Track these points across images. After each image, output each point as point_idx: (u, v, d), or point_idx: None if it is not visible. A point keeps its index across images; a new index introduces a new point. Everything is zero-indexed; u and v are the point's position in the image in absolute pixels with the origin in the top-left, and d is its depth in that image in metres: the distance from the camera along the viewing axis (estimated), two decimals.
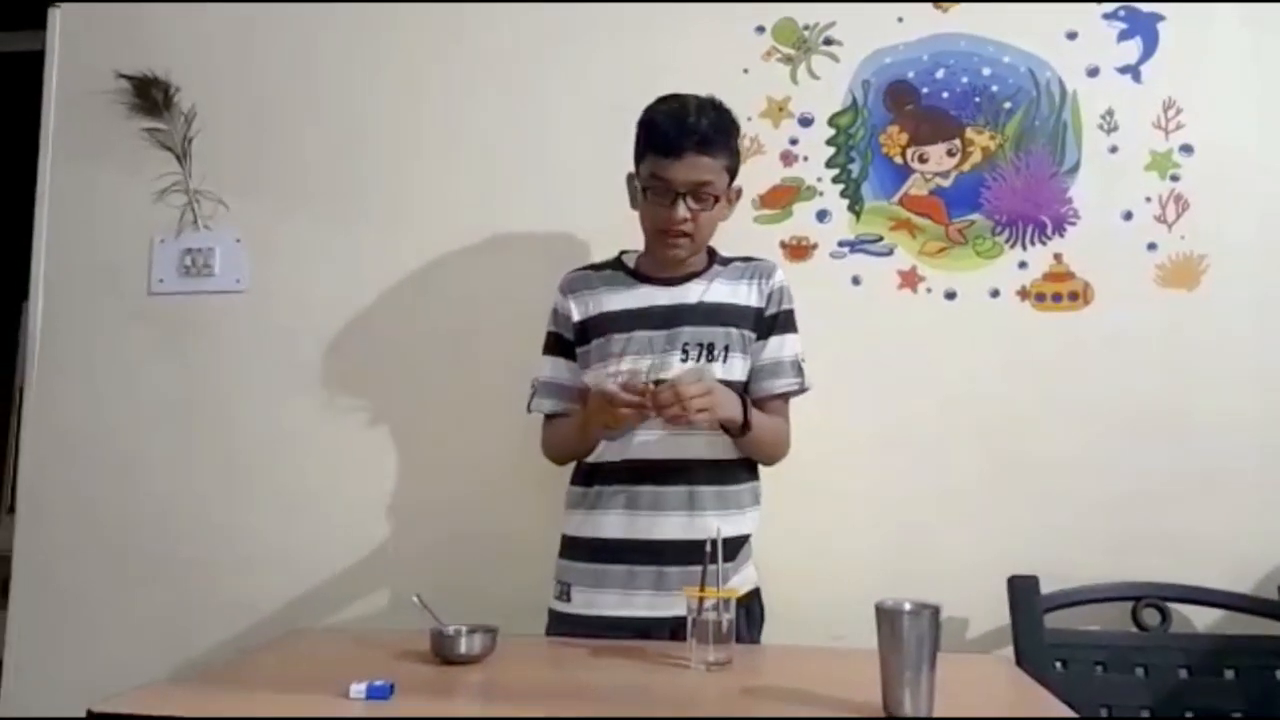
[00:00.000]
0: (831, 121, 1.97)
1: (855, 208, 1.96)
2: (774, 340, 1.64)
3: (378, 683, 1.21)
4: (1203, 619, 1.80)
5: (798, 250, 1.96)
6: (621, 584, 1.57)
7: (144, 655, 1.93)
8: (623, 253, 1.71)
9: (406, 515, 1.99)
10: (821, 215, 1.96)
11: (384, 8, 2.08)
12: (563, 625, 1.61)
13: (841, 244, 1.95)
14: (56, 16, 2.18)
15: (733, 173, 1.62)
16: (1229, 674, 1.69)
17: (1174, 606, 1.76)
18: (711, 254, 1.69)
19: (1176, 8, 1.90)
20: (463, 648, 1.38)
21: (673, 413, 1.45)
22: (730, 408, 1.53)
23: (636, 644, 1.49)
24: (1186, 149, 1.89)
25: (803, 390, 1.66)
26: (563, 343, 1.68)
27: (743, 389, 1.62)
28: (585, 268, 1.72)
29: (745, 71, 1.99)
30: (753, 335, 1.63)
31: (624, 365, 1.59)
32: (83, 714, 1.13)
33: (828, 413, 1.88)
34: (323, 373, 2.04)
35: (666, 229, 1.58)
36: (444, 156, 2.05)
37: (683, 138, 1.53)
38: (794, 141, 1.98)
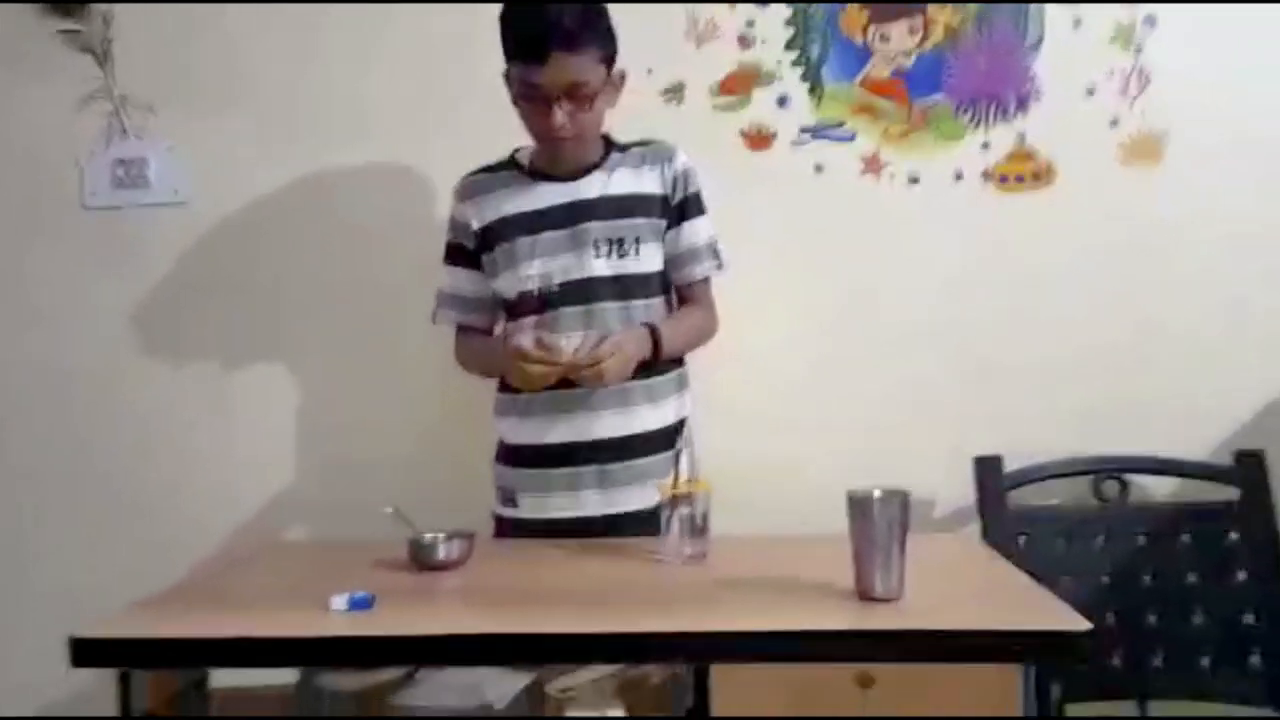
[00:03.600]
0: (789, 1, 1.90)
1: (816, 92, 1.90)
2: (686, 226, 1.61)
3: (359, 594, 1.20)
4: (1161, 488, 1.86)
5: (758, 139, 1.91)
6: (566, 486, 1.57)
7: (116, 583, 1.90)
8: (516, 150, 1.63)
9: (361, 427, 1.96)
10: (781, 101, 1.91)
11: None
12: (511, 530, 1.62)
13: (803, 131, 1.91)
14: None
15: (610, 61, 1.51)
16: (1185, 539, 1.77)
17: (1133, 477, 1.81)
18: (609, 142, 1.61)
19: None
20: (441, 554, 1.39)
21: (590, 380, 1.46)
22: (641, 348, 1.51)
23: (611, 542, 1.50)
24: (1150, 20, 1.86)
25: (720, 269, 1.64)
26: (464, 252, 1.62)
27: (660, 277, 1.60)
28: (479, 171, 1.64)
29: None
30: (662, 223, 1.59)
31: (534, 269, 1.55)
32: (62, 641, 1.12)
33: (792, 303, 1.89)
34: (274, 283, 1.98)
35: (547, 135, 1.51)
36: (393, 51, 1.94)
37: (546, 39, 1.42)
38: (750, 23, 1.90)
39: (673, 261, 1.62)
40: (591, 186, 1.57)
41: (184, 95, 1.97)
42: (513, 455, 1.63)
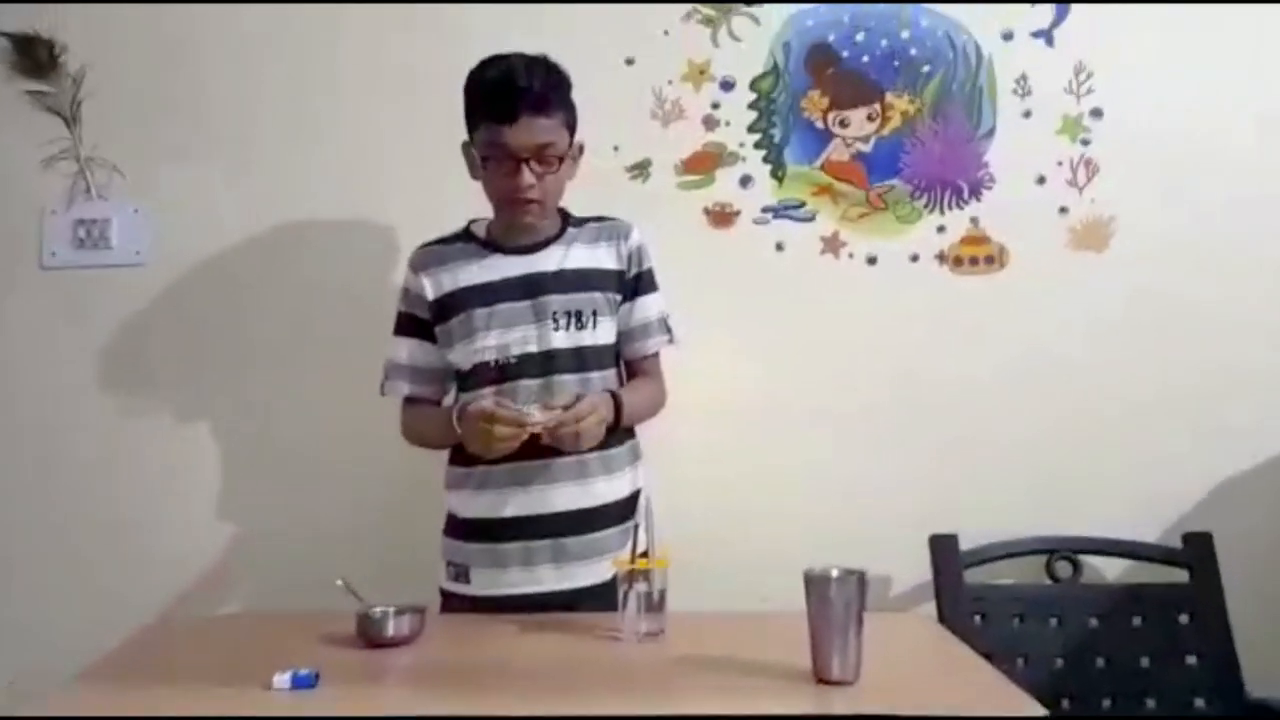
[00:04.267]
0: (753, 85, 1.96)
1: (778, 173, 1.95)
2: (640, 301, 1.63)
3: (302, 671, 1.17)
4: (1112, 569, 1.89)
5: (721, 217, 1.95)
6: (521, 561, 1.54)
7: (57, 644, 1.83)
8: (471, 222, 1.65)
9: (322, 492, 1.94)
10: (744, 181, 1.95)
11: None
12: (460, 605, 1.58)
13: (765, 210, 1.95)
14: None
15: (572, 129, 1.56)
16: (1137, 620, 1.78)
17: (1085, 558, 1.83)
18: (565, 216, 1.64)
19: None
20: (390, 630, 1.35)
21: (569, 440, 1.46)
22: (610, 412, 1.52)
23: (566, 617, 1.48)
24: (1096, 113, 1.94)
25: (671, 343, 1.66)
26: (416, 322, 1.62)
27: (613, 349, 1.61)
28: (434, 242, 1.64)
29: (665, 33, 1.96)
30: (617, 298, 1.61)
31: (491, 340, 1.55)
32: None
33: (751, 378, 1.90)
34: (231, 348, 1.96)
35: (514, 198, 1.52)
36: (352, 115, 1.96)
37: (516, 101, 1.46)
38: (716, 106, 1.96)
39: (625, 335, 1.63)
40: (549, 259, 1.58)
41: (151, 157, 1.97)
42: (465, 529, 1.60)
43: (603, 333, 1.59)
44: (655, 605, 1.39)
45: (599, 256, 1.61)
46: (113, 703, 1.14)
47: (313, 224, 1.97)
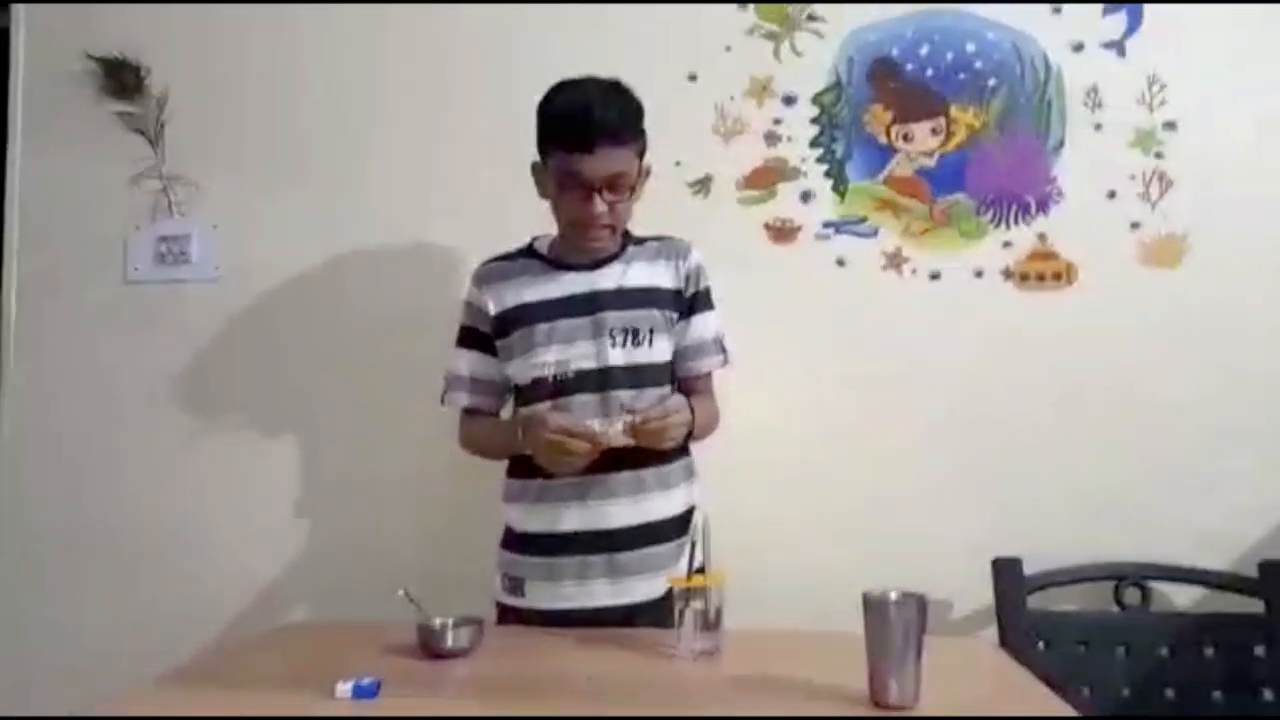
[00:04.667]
0: (815, 100, 1.95)
1: (839, 188, 1.94)
2: (696, 320, 1.64)
3: (364, 681, 1.20)
4: (1183, 597, 1.83)
5: (782, 233, 1.95)
6: (576, 575, 1.56)
7: (128, 653, 1.90)
8: (534, 239, 1.67)
9: (387, 504, 1.98)
10: (805, 196, 1.94)
11: None
12: (516, 619, 1.60)
13: (826, 225, 1.94)
14: None
15: (643, 154, 1.58)
16: (1209, 651, 1.72)
17: (1155, 585, 1.78)
18: (626, 234, 1.65)
19: None
20: (449, 641, 1.38)
21: (652, 436, 1.48)
22: (689, 416, 1.54)
23: (622, 633, 1.49)
24: (1170, 125, 1.89)
25: (726, 364, 1.67)
26: (478, 335, 1.64)
27: (669, 367, 1.62)
28: (498, 258, 1.67)
29: (728, 49, 1.96)
30: (674, 315, 1.62)
31: (550, 356, 1.57)
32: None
33: (812, 395, 1.89)
34: (299, 362, 2.02)
35: (586, 224, 1.55)
36: (422, 135, 2.01)
37: (592, 132, 1.47)
38: (778, 121, 1.96)
39: (680, 353, 1.64)
40: (609, 277, 1.61)
41: (231, 174, 2.05)
42: (521, 542, 1.62)
43: (659, 350, 1.60)
44: (711, 623, 1.39)
45: (657, 274, 1.62)
46: (183, 706, 1.19)
47: (378, 244, 2.02)
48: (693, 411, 1.56)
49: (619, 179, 1.52)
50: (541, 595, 1.58)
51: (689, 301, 1.64)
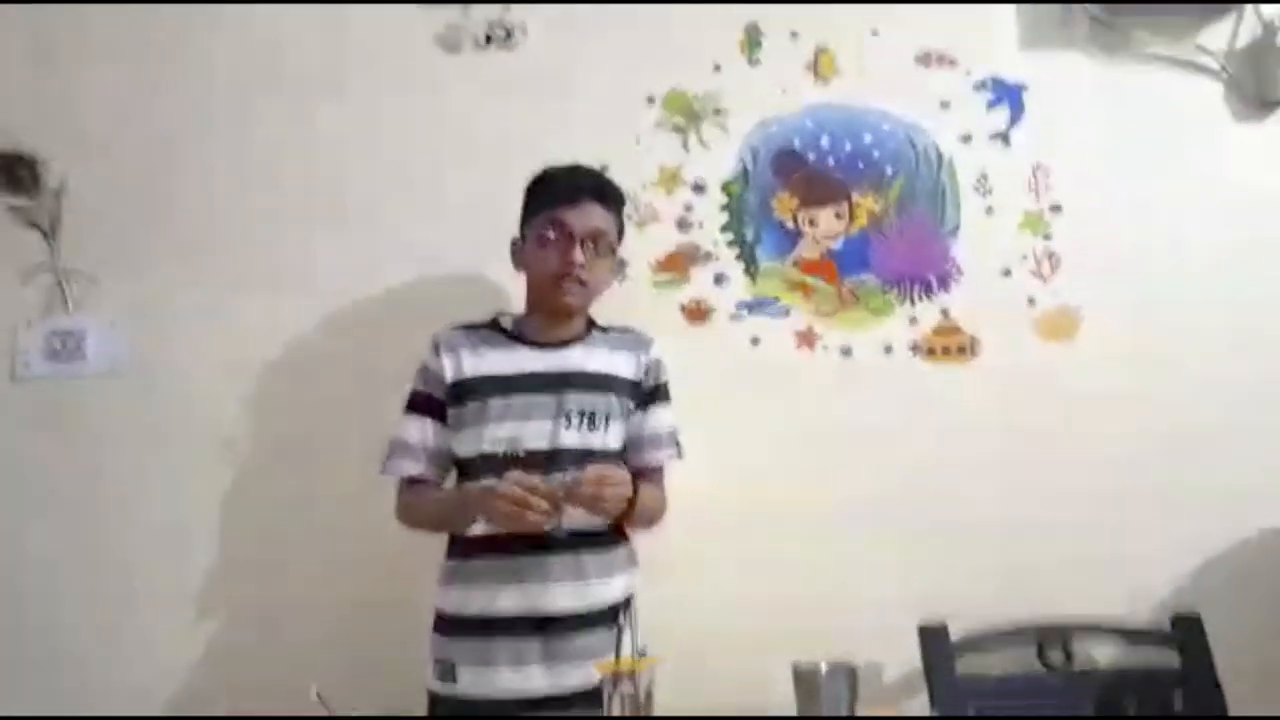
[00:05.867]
0: (724, 188, 2.02)
1: (751, 270, 1.99)
2: (653, 413, 1.67)
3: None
4: (1105, 653, 1.86)
5: (696, 313, 1.98)
6: (511, 660, 1.51)
7: None
8: (499, 314, 1.70)
9: (302, 604, 1.88)
10: (719, 279, 1.99)
11: (263, 69, 2.03)
12: (448, 708, 1.53)
13: (739, 306, 1.98)
14: None
15: (620, 233, 1.68)
16: (1130, 707, 1.75)
17: (1077, 644, 1.81)
18: (589, 321, 1.70)
19: (1037, 78, 2.03)
20: None
21: (587, 500, 1.45)
22: (629, 490, 1.52)
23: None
24: (1056, 208, 2.01)
25: (679, 457, 1.70)
26: (432, 403, 1.61)
27: (618, 458, 1.62)
28: (460, 326, 1.67)
29: (637, 141, 2.02)
30: (630, 405, 1.64)
31: (503, 432, 1.55)
32: None
33: (731, 473, 1.89)
34: (208, 457, 1.93)
35: (565, 272, 1.58)
36: (328, 222, 1.99)
37: (580, 186, 1.62)
38: (688, 208, 2.01)
39: (634, 444, 1.65)
40: (571, 359, 1.61)
41: (129, 270, 1.99)
42: (454, 626, 1.56)
43: (612, 437, 1.60)
44: (641, 707, 1.35)
45: (618, 363, 1.65)
46: None
47: (287, 337, 1.96)
48: (635, 492, 1.53)
49: (599, 236, 1.60)
50: (474, 681, 1.52)
51: (647, 394, 1.66)
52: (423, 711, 1.57)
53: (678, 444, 1.69)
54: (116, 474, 1.94)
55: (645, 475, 1.65)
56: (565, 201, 1.60)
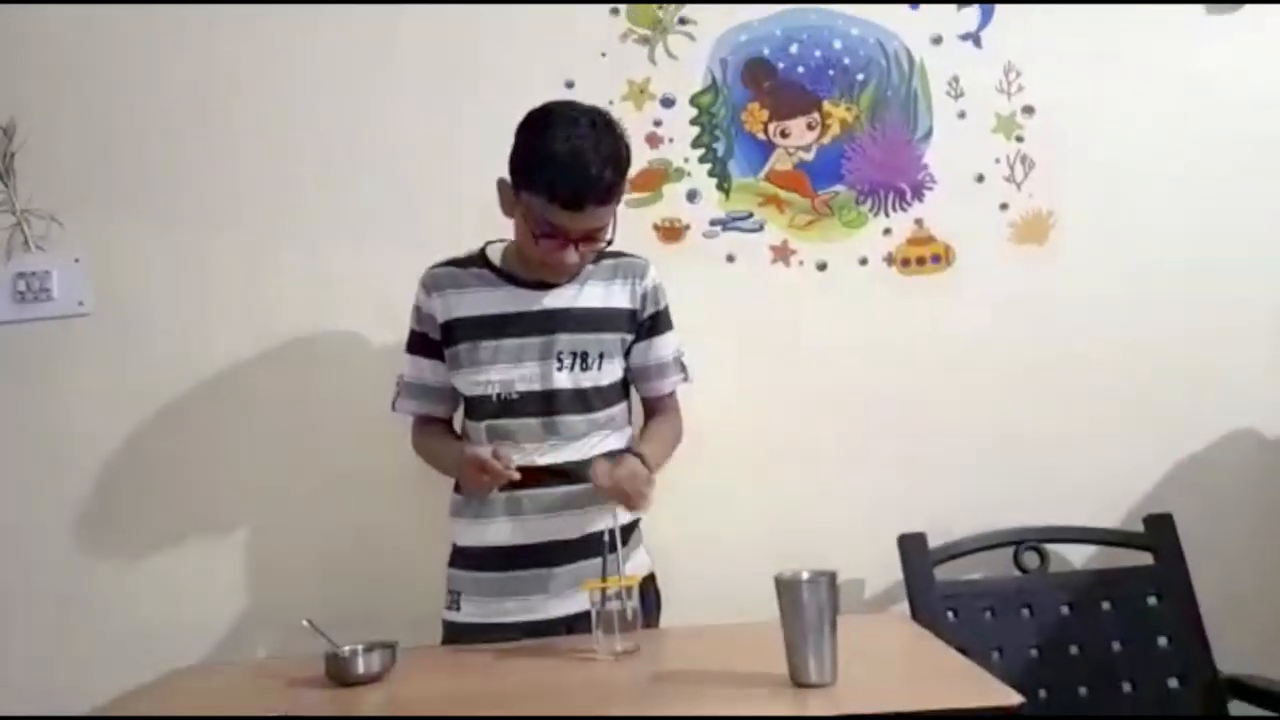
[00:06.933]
0: (693, 101, 1.98)
1: (724, 186, 1.97)
2: (658, 341, 1.64)
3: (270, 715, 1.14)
4: (1078, 556, 1.91)
5: (671, 232, 1.96)
6: (512, 590, 1.54)
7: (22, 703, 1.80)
8: (488, 244, 1.64)
9: (285, 537, 1.90)
10: (691, 195, 1.96)
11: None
12: (457, 635, 1.57)
13: (713, 223, 1.96)
14: None
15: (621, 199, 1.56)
16: (1106, 605, 1.80)
17: (1051, 547, 1.85)
18: None
19: None
20: (360, 668, 1.33)
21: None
22: (645, 473, 1.51)
23: (541, 642, 1.47)
24: (1028, 110, 1.98)
25: (687, 380, 1.69)
26: (428, 342, 1.60)
27: (620, 385, 1.61)
28: (448, 262, 1.62)
29: (603, 55, 1.96)
30: (629, 337, 1.62)
31: (495, 375, 1.54)
32: None
33: (710, 390, 1.89)
34: (179, 396, 1.92)
35: (557, 270, 1.53)
36: (291, 156, 1.94)
37: (585, 193, 1.42)
38: (658, 123, 1.97)
39: (641, 374, 1.64)
40: (562, 297, 1.57)
41: (90, 206, 1.93)
42: (462, 556, 1.59)
43: (607, 374, 1.58)
44: (629, 624, 1.38)
45: (613, 295, 1.60)
46: None
47: (258, 268, 1.93)
48: (646, 463, 1.52)
49: (598, 232, 1.50)
50: (477, 609, 1.56)
51: (648, 322, 1.63)
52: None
53: (684, 368, 1.68)
54: (85, 415, 1.91)
55: (658, 403, 1.67)
56: (568, 206, 1.43)
